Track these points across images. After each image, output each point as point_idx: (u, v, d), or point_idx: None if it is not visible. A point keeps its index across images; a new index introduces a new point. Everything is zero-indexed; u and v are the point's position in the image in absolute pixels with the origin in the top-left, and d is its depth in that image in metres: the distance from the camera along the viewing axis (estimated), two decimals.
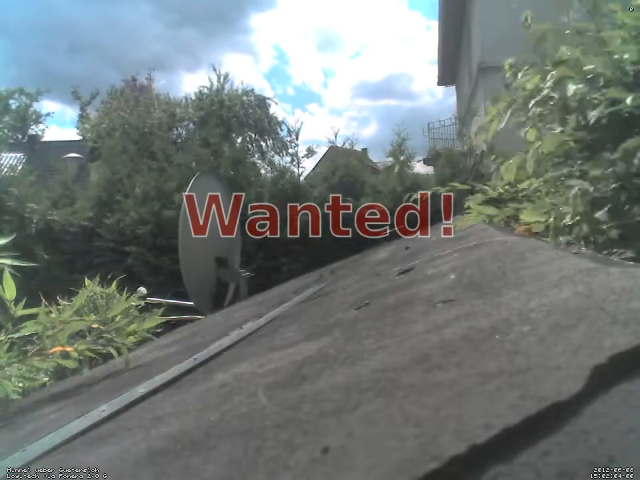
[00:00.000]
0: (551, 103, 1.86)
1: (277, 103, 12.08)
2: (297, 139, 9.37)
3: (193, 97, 12.23)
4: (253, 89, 12.44)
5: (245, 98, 12.34)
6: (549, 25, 1.97)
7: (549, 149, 1.79)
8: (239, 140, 11.92)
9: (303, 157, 9.28)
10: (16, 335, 1.99)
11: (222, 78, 12.03)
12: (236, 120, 11.89)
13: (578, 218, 1.55)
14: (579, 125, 1.67)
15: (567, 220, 1.59)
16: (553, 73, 1.81)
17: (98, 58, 47.88)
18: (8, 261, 2.08)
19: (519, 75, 2.16)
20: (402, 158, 8.10)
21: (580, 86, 1.66)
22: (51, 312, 2.31)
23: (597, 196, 1.50)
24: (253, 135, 12.41)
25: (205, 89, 12.15)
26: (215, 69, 12.12)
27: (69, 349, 2.15)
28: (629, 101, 1.45)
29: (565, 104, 1.75)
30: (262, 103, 12.50)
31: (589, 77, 1.67)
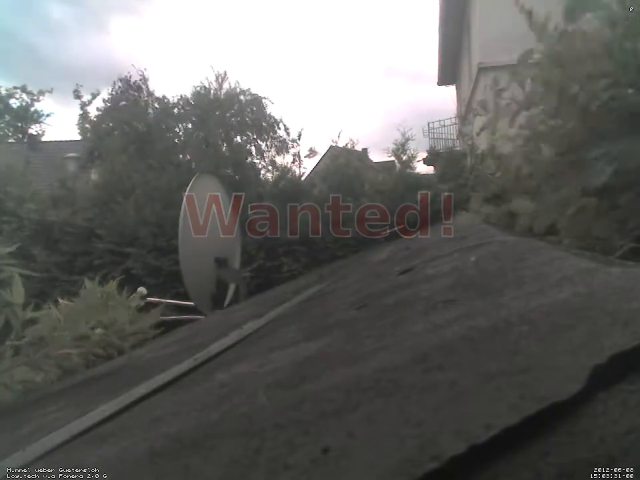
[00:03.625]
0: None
1: (272, 102, 12.01)
2: (299, 139, 9.37)
3: (189, 96, 12.21)
4: (249, 88, 12.45)
5: (242, 97, 12.34)
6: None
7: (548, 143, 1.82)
8: (238, 139, 11.92)
9: (304, 157, 9.25)
10: (22, 341, 2.03)
11: (219, 78, 12.00)
12: (234, 120, 11.89)
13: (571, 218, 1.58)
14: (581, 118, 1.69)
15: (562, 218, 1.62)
16: (554, 74, 1.83)
17: (13, 15, 37.14)
18: (17, 269, 2.12)
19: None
20: (404, 158, 8.05)
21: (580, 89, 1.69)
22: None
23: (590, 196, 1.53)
24: (252, 135, 12.41)
25: (203, 88, 12.13)
26: (212, 69, 12.11)
27: (73, 351, 2.18)
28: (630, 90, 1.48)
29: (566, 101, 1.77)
30: (258, 101, 12.49)
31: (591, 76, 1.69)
